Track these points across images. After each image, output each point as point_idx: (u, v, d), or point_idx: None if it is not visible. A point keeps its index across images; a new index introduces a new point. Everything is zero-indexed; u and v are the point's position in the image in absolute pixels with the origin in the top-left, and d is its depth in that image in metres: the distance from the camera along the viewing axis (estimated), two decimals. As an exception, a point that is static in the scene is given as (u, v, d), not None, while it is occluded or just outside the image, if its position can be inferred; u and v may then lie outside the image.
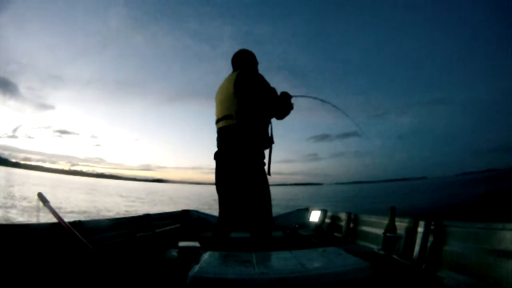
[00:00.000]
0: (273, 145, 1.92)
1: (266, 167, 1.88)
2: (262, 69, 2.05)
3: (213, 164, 1.91)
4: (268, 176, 1.86)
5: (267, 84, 1.87)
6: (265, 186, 1.83)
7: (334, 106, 2.18)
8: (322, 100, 2.17)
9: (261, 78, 1.87)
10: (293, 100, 1.97)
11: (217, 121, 1.90)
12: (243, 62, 2.00)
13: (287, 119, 1.96)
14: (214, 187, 1.89)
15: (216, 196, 1.90)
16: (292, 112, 1.95)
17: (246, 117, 1.78)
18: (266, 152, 1.90)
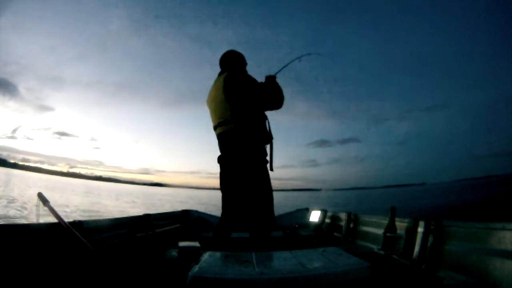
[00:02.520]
0: (274, 144, 1.92)
1: (268, 164, 1.88)
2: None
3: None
4: (272, 175, 1.87)
5: (255, 81, 1.87)
6: (267, 185, 1.84)
7: (319, 54, 2.19)
8: (307, 54, 2.14)
9: (247, 76, 1.88)
10: (278, 78, 1.94)
11: (215, 128, 1.92)
12: (230, 63, 1.99)
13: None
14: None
15: (215, 201, 1.91)
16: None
17: (242, 119, 1.79)
18: (268, 149, 1.91)
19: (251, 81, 1.86)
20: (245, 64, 2.05)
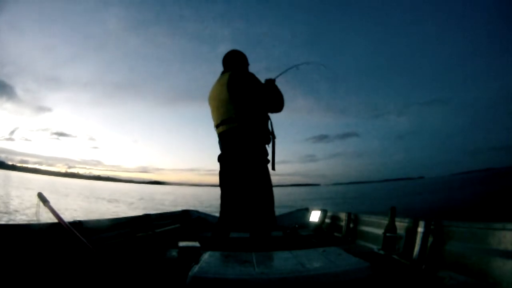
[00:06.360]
0: (276, 142, 1.94)
1: (270, 164, 1.89)
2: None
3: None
4: (271, 173, 1.88)
5: (258, 81, 1.88)
6: (268, 185, 1.85)
7: (308, 63, 2.20)
8: (306, 63, 2.16)
9: (251, 75, 1.88)
10: (278, 83, 1.95)
11: (217, 126, 1.91)
12: (234, 62, 2.00)
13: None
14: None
15: (216, 199, 1.91)
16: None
17: (246, 118, 1.79)
18: (270, 148, 1.91)
19: (255, 80, 1.87)
20: (247, 64, 2.06)
